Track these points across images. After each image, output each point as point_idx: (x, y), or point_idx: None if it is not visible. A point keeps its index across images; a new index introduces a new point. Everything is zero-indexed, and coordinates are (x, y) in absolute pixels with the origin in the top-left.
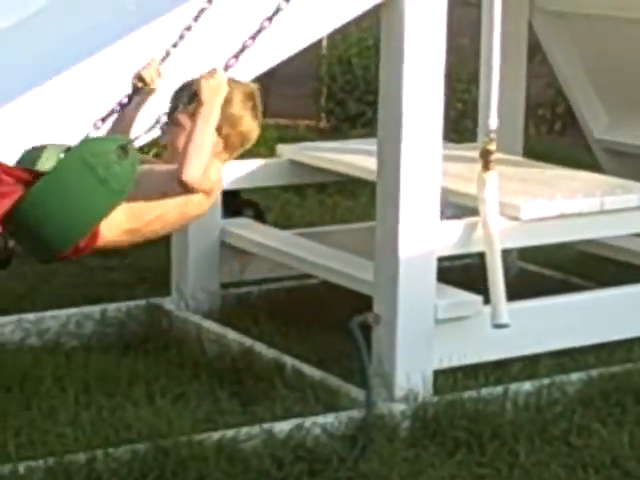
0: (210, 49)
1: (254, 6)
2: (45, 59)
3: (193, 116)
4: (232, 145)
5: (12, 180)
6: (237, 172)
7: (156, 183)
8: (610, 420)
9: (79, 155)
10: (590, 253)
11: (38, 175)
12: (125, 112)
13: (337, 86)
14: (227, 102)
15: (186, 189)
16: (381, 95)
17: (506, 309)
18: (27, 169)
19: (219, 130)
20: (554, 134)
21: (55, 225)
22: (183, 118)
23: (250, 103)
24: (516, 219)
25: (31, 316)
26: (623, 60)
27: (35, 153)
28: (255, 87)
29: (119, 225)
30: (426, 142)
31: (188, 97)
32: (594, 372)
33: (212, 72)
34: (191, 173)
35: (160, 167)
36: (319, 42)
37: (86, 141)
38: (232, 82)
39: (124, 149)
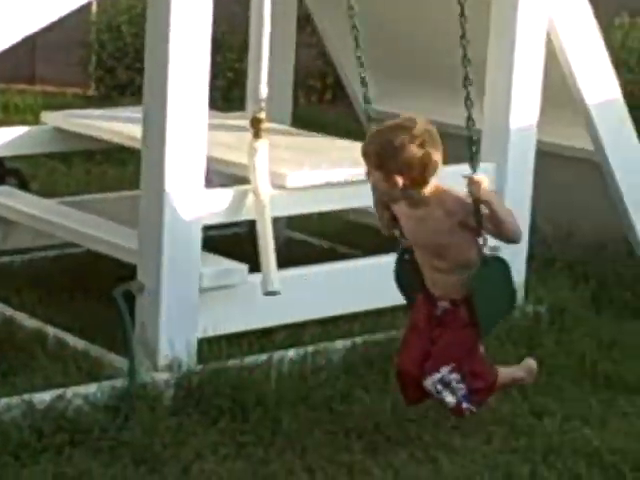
0: None
1: None
2: None
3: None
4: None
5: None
6: (0, 139)
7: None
8: (373, 387)
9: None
10: (357, 222)
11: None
12: None
13: (106, 53)
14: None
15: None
16: (146, 63)
17: (277, 277)
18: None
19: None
20: (324, 104)
21: None
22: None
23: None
24: (283, 187)
25: None
26: (394, 32)
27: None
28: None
29: None
30: (192, 110)
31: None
32: (359, 339)
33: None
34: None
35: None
36: (88, 8)
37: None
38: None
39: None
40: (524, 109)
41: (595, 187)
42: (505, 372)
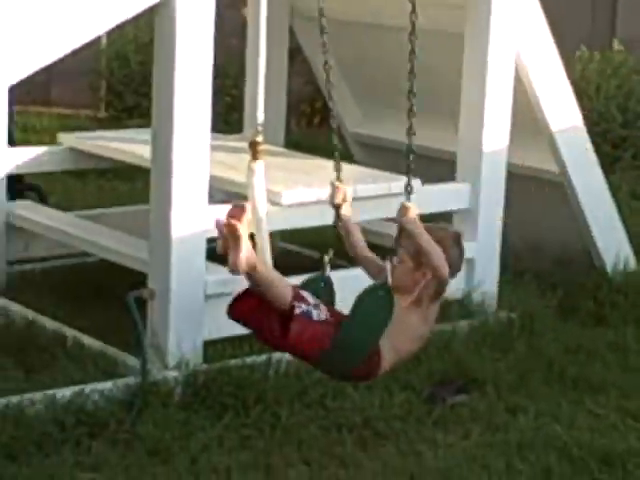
0: None
1: None
2: None
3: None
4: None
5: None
6: (21, 158)
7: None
8: (362, 385)
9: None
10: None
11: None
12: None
13: (115, 79)
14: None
15: (444, 283)
16: (155, 89)
17: None
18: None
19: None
20: (313, 127)
21: (355, 347)
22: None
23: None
24: (278, 204)
25: None
26: (375, 62)
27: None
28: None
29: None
30: (195, 133)
31: None
32: None
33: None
34: (445, 269)
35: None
36: (98, 39)
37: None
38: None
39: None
40: (495, 135)
41: (560, 206)
42: None
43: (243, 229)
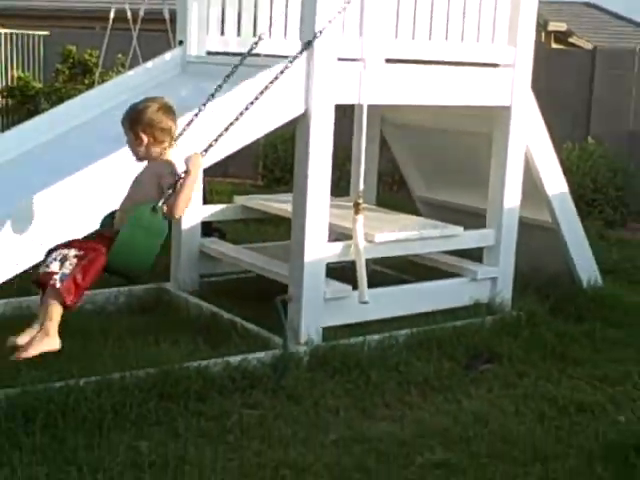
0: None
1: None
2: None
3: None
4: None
5: (99, 245)
6: (209, 211)
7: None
8: (422, 358)
9: (131, 219)
10: (413, 260)
11: (115, 234)
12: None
13: (268, 160)
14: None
15: (173, 218)
16: (295, 167)
17: (367, 292)
18: (109, 231)
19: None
20: (393, 192)
21: (132, 262)
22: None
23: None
24: (372, 242)
25: (88, 292)
26: (433, 151)
27: (108, 218)
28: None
29: None
30: (321, 196)
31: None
32: (414, 329)
33: (197, 155)
34: (179, 213)
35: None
36: None
37: (135, 209)
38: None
39: (155, 209)
40: (511, 198)
41: (552, 243)
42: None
43: None
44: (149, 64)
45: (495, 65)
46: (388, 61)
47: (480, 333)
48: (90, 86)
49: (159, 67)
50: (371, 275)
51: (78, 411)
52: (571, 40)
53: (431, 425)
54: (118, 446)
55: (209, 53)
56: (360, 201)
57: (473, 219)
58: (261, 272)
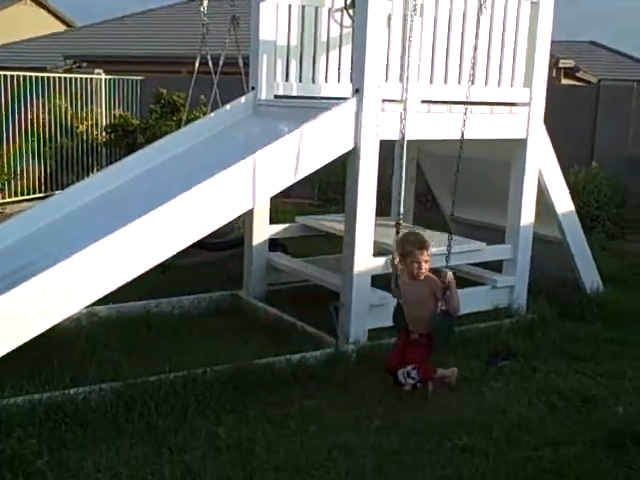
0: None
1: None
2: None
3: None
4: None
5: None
6: (275, 229)
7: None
8: (452, 353)
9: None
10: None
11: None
12: None
13: (323, 183)
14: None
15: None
16: (347, 190)
17: None
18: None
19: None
20: (427, 211)
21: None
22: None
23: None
24: None
25: (174, 299)
26: (462, 177)
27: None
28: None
29: None
30: (367, 216)
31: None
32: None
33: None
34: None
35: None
36: None
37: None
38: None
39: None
40: (526, 216)
41: (561, 255)
42: (440, 371)
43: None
44: (228, 106)
45: (513, 104)
46: (424, 102)
47: (499, 334)
48: (178, 123)
49: (235, 108)
50: None
51: (168, 401)
52: (578, 75)
53: (458, 414)
54: (200, 430)
55: (276, 96)
56: (400, 221)
57: (494, 233)
58: (317, 282)
